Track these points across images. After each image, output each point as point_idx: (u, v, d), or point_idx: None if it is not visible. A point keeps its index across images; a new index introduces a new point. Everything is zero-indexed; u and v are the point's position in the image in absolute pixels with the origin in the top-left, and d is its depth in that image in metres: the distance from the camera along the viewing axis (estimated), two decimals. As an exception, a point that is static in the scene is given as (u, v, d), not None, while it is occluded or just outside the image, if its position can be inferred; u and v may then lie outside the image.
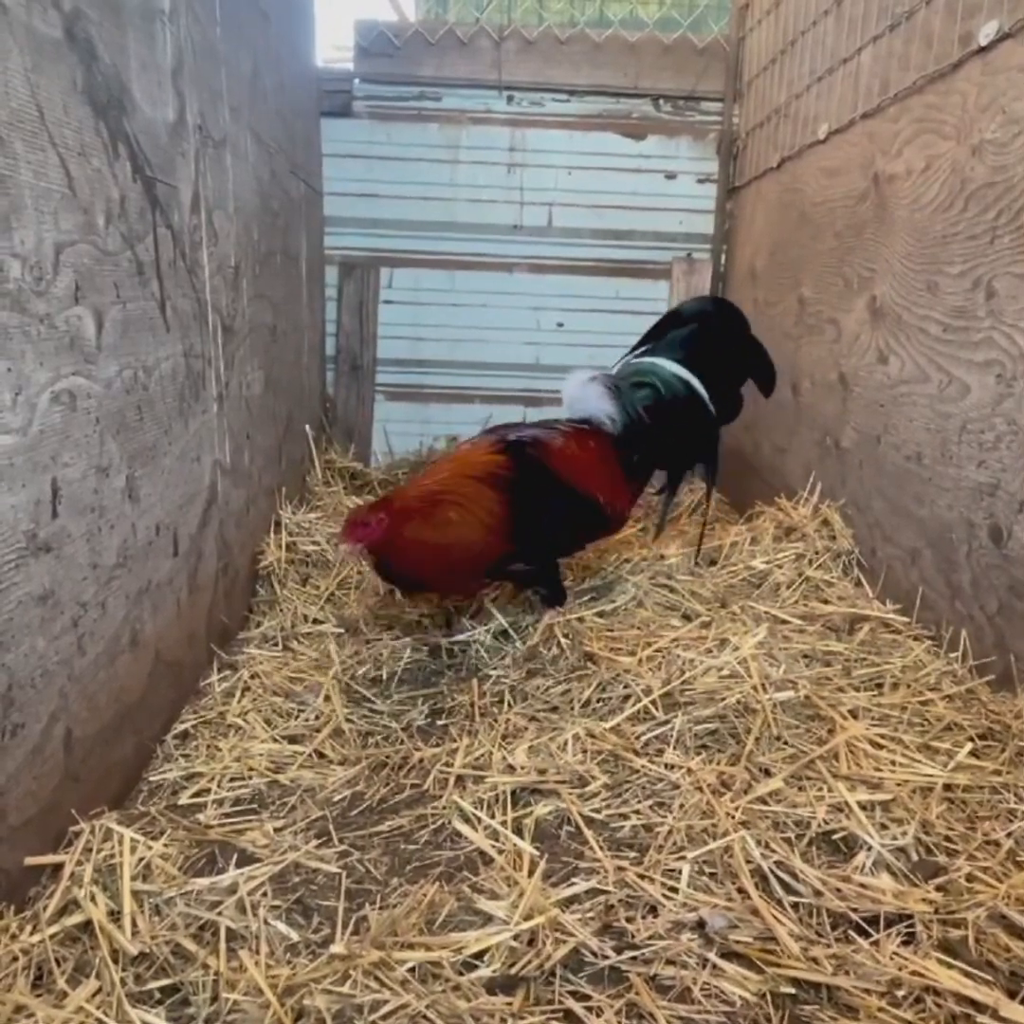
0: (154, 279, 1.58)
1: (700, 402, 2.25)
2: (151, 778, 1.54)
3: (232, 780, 1.54)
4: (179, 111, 1.71)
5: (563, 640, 1.94)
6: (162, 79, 1.63)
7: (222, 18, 2.00)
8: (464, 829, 1.37)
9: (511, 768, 1.53)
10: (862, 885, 1.20)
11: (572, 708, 1.72)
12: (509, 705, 1.76)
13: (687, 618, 2.06)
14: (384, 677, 1.92)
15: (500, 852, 1.32)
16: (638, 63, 3.57)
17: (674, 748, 1.56)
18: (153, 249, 1.57)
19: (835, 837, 1.32)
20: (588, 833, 1.36)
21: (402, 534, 1.84)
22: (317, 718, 1.74)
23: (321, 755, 1.64)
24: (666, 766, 1.51)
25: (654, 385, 2.25)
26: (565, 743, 1.59)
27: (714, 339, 2.30)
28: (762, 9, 3.27)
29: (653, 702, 1.67)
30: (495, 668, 1.92)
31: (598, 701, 1.74)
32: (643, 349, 2.35)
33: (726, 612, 2.06)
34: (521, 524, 1.93)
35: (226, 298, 2.04)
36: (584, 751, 1.57)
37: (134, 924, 1.12)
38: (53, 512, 1.22)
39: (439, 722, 1.76)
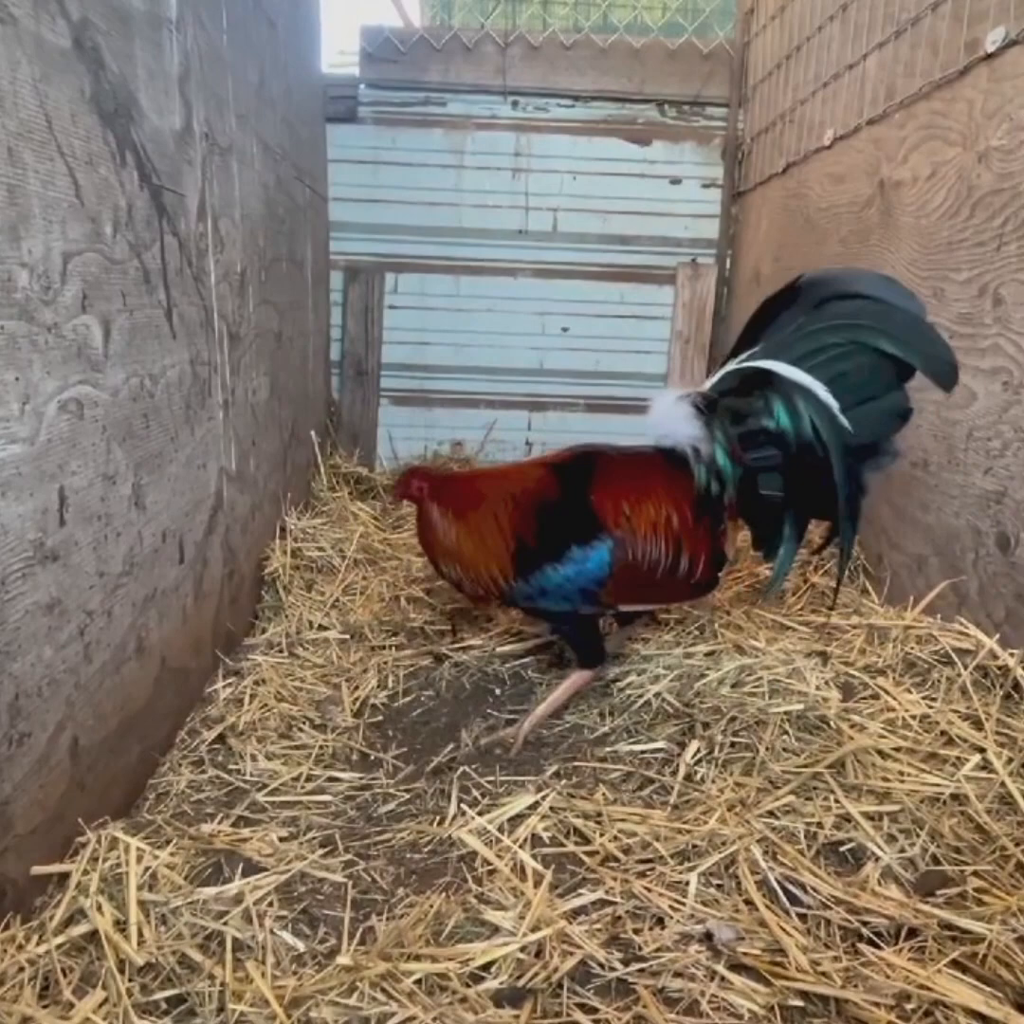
0: (161, 287, 1.58)
1: (830, 423, 1.61)
2: (157, 786, 1.54)
3: (237, 786, 1.54)
4: (186, 119, 1.71)
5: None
6: (169, 87, 1.63)
7: (229, 26, 2.00)
8: (469, 839, 1.37)
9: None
10: (871, 896, 1.20)
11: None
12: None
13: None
14: (389, 684, 1.92)
15: (506, 863, 1.31)
16: (643, 68, 3.57)
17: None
18: (160, 257, 1.57)
19: (843, 848, 1.31)
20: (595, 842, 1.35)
21: (426, 511, 1.82)
22: (325, 728, 1.74)
23: (327, 765, 1.64)
24: (671, 775, 1.51)
25: (759, 402, 1.68)
26: (571, 751, 1.59)
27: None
28: (767, 14, 3.27)
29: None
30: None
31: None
32: (753, 350, 1.71)
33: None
34: (529, 560, 1.70)
35: (232, 305, 2.04)
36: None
37: (140, 934, 1.12)
38: (60, 521, 1.22)
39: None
